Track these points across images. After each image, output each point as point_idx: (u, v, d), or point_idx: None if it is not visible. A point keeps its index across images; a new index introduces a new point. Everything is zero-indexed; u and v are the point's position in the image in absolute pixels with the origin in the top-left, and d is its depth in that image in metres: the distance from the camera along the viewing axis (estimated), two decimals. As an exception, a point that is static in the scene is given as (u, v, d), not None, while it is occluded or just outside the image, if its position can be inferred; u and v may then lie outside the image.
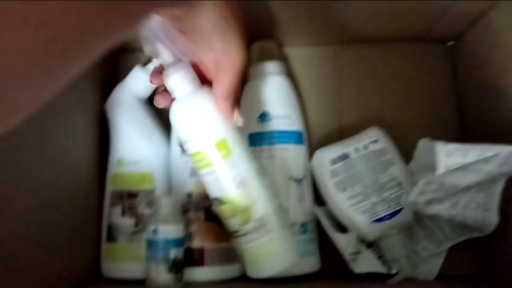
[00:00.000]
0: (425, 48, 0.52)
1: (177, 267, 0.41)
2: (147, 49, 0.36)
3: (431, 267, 0.45)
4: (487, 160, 0.35)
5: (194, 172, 0.44)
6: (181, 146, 0.38)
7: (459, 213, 0.39)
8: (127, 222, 0.45)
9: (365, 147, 0.44)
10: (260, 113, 0.45)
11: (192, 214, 0.44)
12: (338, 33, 0.50)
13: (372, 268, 0.43)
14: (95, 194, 0.47)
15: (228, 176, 0.35)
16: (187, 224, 0.43)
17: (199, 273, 0.43)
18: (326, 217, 0.44)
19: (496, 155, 0.35)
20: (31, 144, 0.36)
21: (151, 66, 0.47)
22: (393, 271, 0.43)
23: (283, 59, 0.52)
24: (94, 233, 0.46)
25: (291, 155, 0.45)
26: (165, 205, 0.42)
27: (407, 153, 0.45)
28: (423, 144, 0.43)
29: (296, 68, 0.53)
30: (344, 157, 0.44)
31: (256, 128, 0.45)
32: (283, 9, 0.44)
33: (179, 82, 0.35)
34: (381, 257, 0.44)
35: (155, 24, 0.33)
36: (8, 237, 0.32)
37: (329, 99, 0.52)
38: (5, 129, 0.17)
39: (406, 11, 0.44)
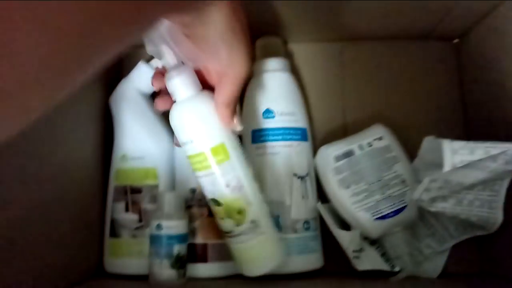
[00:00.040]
0: (430, 46, 0.52)
1: (180, 262, 0.41)
2: (150, 49, 0.37)
3: (434, 265, 0.45)
4: (493, 157, 0.35)
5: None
6: (176, 143, 0.39)
7: (464, 210, 0.39)
8: (130, 217, 0.45)
9: (370, 144, 0.44)
10: (264, 109, 0.45)
11: (195, 210, 0.44)
12: (343, 30, 0.50)
13: (375, 265, 0.43)
14: (98, 189, 0.47)
15: (225, 179, 0.37)
16: (191, 220, 0.43)
17: (202, 269, 0.43)
18: (330, 214, 0.44)
19: (502, 152, 0.35)
20: (35, 139, 0.36)
21: (155, 62, 0.47)
22: (396, 269, 0.43)
23: (288, 55, 0.51)
24: (97, 228, 0.46)
25: (295, 152, 0.45)
26: (169, 201, 0.42)
27: (410, 151, 0.44)
28: (427, 141, 0.42)
29: (300, 65, 0.53)
30: (348, 154, 0.44)
31: (260, 124, 0.45)
32: (287, 6, 0.43)
33: (181, 85, 0.36)
34: (384, 255, 0.44)
35: (161, 26, 0.33)
36: (11, 231, 0.32)
37: (333, 96, 0.52)
38: (17, 129, 0.17)
39: (411, 8, 0.44)
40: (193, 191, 0.44)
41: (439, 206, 0.39)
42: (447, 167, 0.36)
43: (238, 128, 0.37)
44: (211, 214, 0.43)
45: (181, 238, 0.41)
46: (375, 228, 0.42)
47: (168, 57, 0.36)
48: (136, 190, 0.45)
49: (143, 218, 0.45)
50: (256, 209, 0.37)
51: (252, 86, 0.46)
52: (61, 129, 0.40)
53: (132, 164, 0.46)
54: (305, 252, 0.43)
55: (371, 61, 0.52)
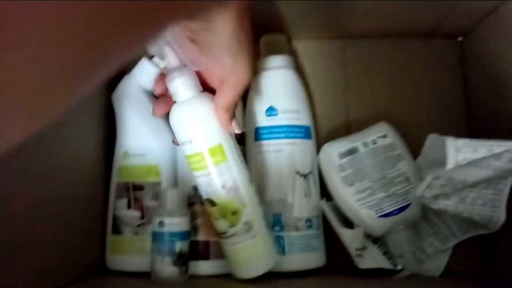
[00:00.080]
0: (434, 44, 0.52)
1: (182, 260, 0.41)
2: (152, 50, 0.37)
3: (437, 264, 0.45)
4: (497, 156, 0.35)
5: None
6: (175, 142, 0.39)
7: (466, 209, 0.39)
8: (132, 214, 0.45)
9: (374, 142, 0.44)
10: (267, 107, 0.45)
11: (197, 207, 0.44)
12: (346, 28, 0.50)
13: (378, 264, 0.43)
14: (100, 186, 0.47)
15: (221, 180, 0.37)
16: (193, 217, 0.43)
17: (204, 267, 0.43)
18: (333, 212, 0.44)
19: (506, 151, 0.35)
20: (36, 135, 0.35)
21: (157, 59, 0.47)
22: (399, 267, 0.43)
23: (292, 53, 0.51)
24: (99, 225, 0.46)
25: (298, 150, 0.44)
26: (171, 198, 0.42)
27: (413, 149, 0.44)
28: (431, 139, 0.42)
29: (303, 62, 0.52)
30: (352, 151, 0.44)
31: (263, 122, 0.45)
32: (291, 3, 0.43)
33: (182, 86, 0.36)
34: (386, 253, 0.44)
35: None
36: (13, 228, 0.32)
37: (336, 94, 0.52)
38: (28, 133, 0.17)
39: (415, 6, 0.44)
40: (195, 188, 0.44)
41: (441, 204, 0.39)
42: (450, 164, 0.36)
43: (237, 131, 0.38)
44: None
45: (183, 235, 0.41)
46: (378, 226, 0.42)
47: (171, 58, 0.36)
48: (138, 187, 0.45)
49: (145, 215, 0.44)
50: (250, 211, 0.38)
51: (256, 83, 0.46)
52: (63, 126, 0.40)
53: (134, 161, 0.46)
54: (307, 250, 0.43)
55: (375, 59, 0.52)
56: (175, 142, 0.39)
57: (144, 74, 0.46)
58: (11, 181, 0.32)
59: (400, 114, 0.50)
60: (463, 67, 0.51)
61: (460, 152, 0.35)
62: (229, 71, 0.34)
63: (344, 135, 0.46)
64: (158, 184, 0.45)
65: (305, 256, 0.43)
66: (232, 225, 0.38)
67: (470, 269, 0.47)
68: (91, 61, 0.16)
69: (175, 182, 0.47)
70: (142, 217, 0.44)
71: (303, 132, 0.45)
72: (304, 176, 0.44)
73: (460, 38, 0.52)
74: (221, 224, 0.38)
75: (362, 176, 0.43)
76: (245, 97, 0.47)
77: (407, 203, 0.42)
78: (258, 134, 0.45)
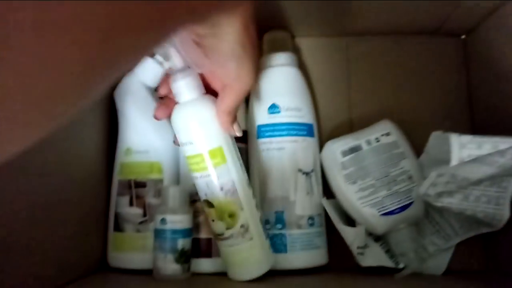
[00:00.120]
0: (438, 42, 0.52)
1: (184, 257, 0.41)
2: (157, 50, 0.38)
3: (439, 262, 0.45)
4: (501, 152, 0.35)
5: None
6: (175, 142, 0.39)
7: (470, 206, 0.39)
8: (134, 211, 0.44)
9: (377, 140, 0.43)
10: (270, 104, 0.45)
11: (200, 205, 0.44)
12: (349, 25, 0.50)
13: (380, 262, 0.43)
14: (102, 183, 0.47)
15: (220, 182, 0.38)
16: (195, 214, 0.43)
17: (206, 264, 0.43)
18: (335, 210, 0.43)
19: (511, 147, 0.35)
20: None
21: (160, 56, 0.47)
22: (400, 266, 0.43)
23: (295, 50, 0.51)
24: (101, 222, 0.46)
25: (300, 148, 0.44)
26: (173, 195, 0.42)
27: (416, 147, 0.44)
28: (434, 137, 0.42)
29: (306, 60, 0.52)
30: (355, 149, 0.43)
31: (266, 119, 0.45)
32: (295, 0, 0.43)
33: (185, 88, 0.37)
34: (388, 251, 0.44)
35: None
36: (14, 225, 0.32)
37: (339, 92, 0.52)
38: (42, 136, 0.17)
39: (419, 4, 0.44)
40: (197, 185, 0.44)
41: (445, 202, 0.39)
42: (454, 161, 0.36)
43: (238, 134, 0.38)
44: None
45: (186, 233, 0.41)
46: (380, 224, 0.42)
47: (175, 60, 0.37)
48: (141, 184, 0.45)
49: (147, 213, 0.44)
50: (247, 215, 0.38)
51: (259, 80, 0.46)
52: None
53: (136, 158, 0.45)
54: (309, 248, 0.43)
55: (378, 57, 0.52)
56: (176, 142, 0.40)
57: (146, 71, 0.46)
58: (13, 178, 0.32)
59: (403, 112, 0.50)
60: (466, 65, 0.51)
61: (465, 148, 0.35)
62: (232, 76, 0.35)
63: (347, 133, 0.46)
64: (160, 181, 0.45)
65: (307, 254, 0.43)
66: (229, 227, 0.38)
67: (472, 268, 0.47)
68: (102, 64, 0.16)
69: (177, 179, 0.46)
70: (144, 214, 0.44)
71: (306, 130, 0.45)
72: (307, 174, 0.44)
73: (463, 36, 0.52)
74: (218, 226, 0.38)
75: (364, 174, 0.42)
76: (248, 95, 0.46)
77: (409, 201, 0.42)
78: (260, 131, 0.45)
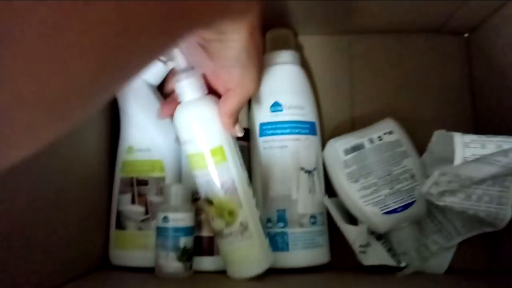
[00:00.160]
0: (441, 40, 0.51)
1: (186, 255, 0.41)
2: None
3: (440, 262, 0.45)
4: (505, 152, 0.35)
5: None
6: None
7: (472, 206, 0.39)
8: (136, 209, 0.44)
9: (380, 138, 0.43)
10: (272, 102, 0.45)
11: (201, 203, 0.44)
12: (352, 23, 0.49)
13: (381, 261, 0.43)
14: (104, 181, 0.46)
15: (220, 180, 0.38)
16: (197, 213, 0.43)
17: (208, 262, 0.43)
18: (337, 209, 0.43)
19: (514, 147, 0.35)
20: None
21: (163, 56, 0.47)
22: (402, 264, 0.43)
23: (297, 48, 0.51)
24: (103, 220, 0.46)
25: (303, 146, 0.44)
26: (175, 193, 0.42)
27: (419, 145, 0.44)
28: (437, 135, 0.42)
29: (309, 58, 0.52)
30: (358, 147, 0.43)
31: (268, 117, 0.45)
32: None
33: (188, 88, 0.38)
34: (390, 250, 0.44)
35: None
36: (16, 223, 0.32)
37: (342, 90, 0.52)
38: (53, 139, 0.17)
39: (422, 2, 0.43)
40: (199, 183, 0.44)
41: (447, 201, 0.39)
42: (458, 160, 0.35)
43: (239, 134, 0.39)
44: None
45: (188, 231, 0.41)
46: (383, 222, 0.42)
47: (179, 60, 0.38)
48: (143, 182, 0.45)
49: (149, 210, 0.44)
50: (246, 213, 0.39)
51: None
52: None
53: (138, 156, 0.45)
54: (311, 247, 0.43)
55: (381, 55, 0.52)
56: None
57: (149, 69, 0.46)
58: (14, 176, 0.32)
59: (405, 110, 0.50)
60: (470, 64, 0.51)
61: (468, 147, 0.35)
62: (236, 82, 0.36)
63: (349, 131, 0.46)
64: (162, 179, 0.45)
65: (309, 252, 0.43)
66: (228, 224, 0.38)
67: (474, 267, 0.47)
68: (114, 68, 0.17)
69: (179, 177, 0.46)
70: (146, 212, 0.44)
71: (308, 128, 0.45)
72: (309, 172, 0.44)
73: (466, 35, 0.52)
74: (218, 223, 0.39)
75: (367, 173, 0.42)
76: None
77: (412, 200, 0.42)
78: (262, 129, 0.45)
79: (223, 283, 0.40)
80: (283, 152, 0.44)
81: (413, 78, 0.51)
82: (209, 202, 0.39)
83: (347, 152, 0.43)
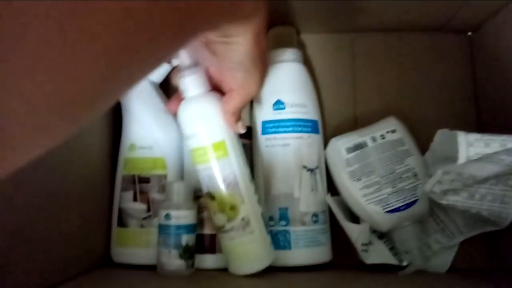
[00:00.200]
0: (444, 38, 0.51)
1: (188, 253, 0.41)
2: None
3: (443, 260, 0.44)
4: (509, 151, 0.35)
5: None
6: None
7: (475, 205, 0.39)
8: (138, 207, 0.44)
9: (382, 137, 0.43)
10: (275, 100, 0.45)
11: (203, 200, 0.44)
12: (355, 21, 0.49)
13: (384, 259, 0.43)
14: (106, 178, 0.46)
15: (222, 174, 0.39)
16: (199, 210, 0.43)
17: (210, 260, 0.43)
18: (339, 207, 0.43)
19: (518, 146, 0.34)
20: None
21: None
22: (404, 263, 0.43)
23: (300, 46, 0.51)
24: (105, 217, 0.46)
25: (305, 144, 0.44)
26: (178, 191, 0.42)
27: (422, 144, 0.44)
28: (440, 134, 0.42)
29: (311, 56, 0.52)
30: (360, 146, 0.43)
31: (270, 115, 0.45)
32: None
33: (192, 84, 0.39)
34: (392, 249, 0.44)
35: None
36: (18, 221, 0.32)
37: (344, 88, 0.51)
38: (62, 139, 0.17)
39: (425, 0, 0.43)
40: (202, 181, 0.44)
41: (450, 199, 0.39)
42: (461, 159, 0.35)
43: (241, 131, 0.40)
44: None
45: (190, 229, 0.41)
46: (385, 221, 0.42)
47: (183, 57, 0.38)
48: (145, 180, 0.45)
49: (151, 208, 0.44)
50: (248, 208, 0.39)
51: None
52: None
53: (140, 153, 0.45)
54: (313, 245, 0.43)
55: (383, 53, 0.52)
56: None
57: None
58: (16, 173, 0.32)
59: (408, 109, 0.50)
60: (472, 62, 0.51)
61: (472, 146, 0.35)
62: (239, 83, 0.36)
63: (352, 130, 0.46)
64: (164, 176, 0.45)
65: (311, 251, 0.43)
66: (230, 219, 0.38)
67: (476, 266, 0.46)
68: (123, 71, 0.17)
69: (181, 174, 0.46)
70: (148, 209, 0.44)
71: (311, 126, 0.45)
72: (311, 170, 0.44)
73: (469, 33, 0.52)
74: (219, 218, 0.39)
75: (369, 171, 0.42)
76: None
77: (414, 199, 0.42)
78: (265, 128, 0.45)
79: (225, 281, 0.40)
80: (285, 150, 0.44)
81: (416, 76, 0.51)
82: (211, 196, 0.39)
83: (350, 150, 0.43)
